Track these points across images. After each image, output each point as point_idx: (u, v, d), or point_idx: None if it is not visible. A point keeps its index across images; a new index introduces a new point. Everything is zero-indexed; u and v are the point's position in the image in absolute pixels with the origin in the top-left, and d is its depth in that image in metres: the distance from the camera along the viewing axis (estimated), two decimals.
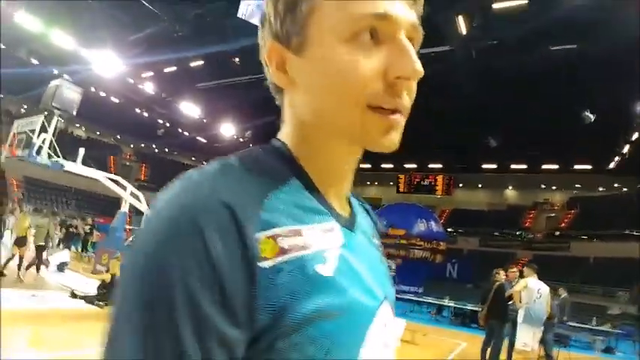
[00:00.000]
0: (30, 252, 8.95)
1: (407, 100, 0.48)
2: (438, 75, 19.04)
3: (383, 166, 35.36)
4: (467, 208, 34.68)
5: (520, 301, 6.06)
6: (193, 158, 42.27)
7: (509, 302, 6.42)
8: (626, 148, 23.18)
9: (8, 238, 9.63)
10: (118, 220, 10.54)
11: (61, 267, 10.11)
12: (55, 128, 8.83)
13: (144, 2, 16.54)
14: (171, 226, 0.38)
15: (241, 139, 31.49)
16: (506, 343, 6.39)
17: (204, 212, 0.39)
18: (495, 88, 19.60)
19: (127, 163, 37.27)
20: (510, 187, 34.93)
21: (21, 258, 8.59)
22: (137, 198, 10.84)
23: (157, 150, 40.27)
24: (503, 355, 6.21)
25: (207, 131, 31.83)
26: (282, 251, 0.42)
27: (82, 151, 9.48)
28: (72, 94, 8.80)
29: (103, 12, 17.66)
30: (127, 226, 11.46)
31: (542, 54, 16.48)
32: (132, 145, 38.73)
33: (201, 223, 0.38)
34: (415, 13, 0.49)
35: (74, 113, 9.17)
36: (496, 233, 31.52)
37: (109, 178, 10.58)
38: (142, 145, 38.90)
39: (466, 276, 24.15)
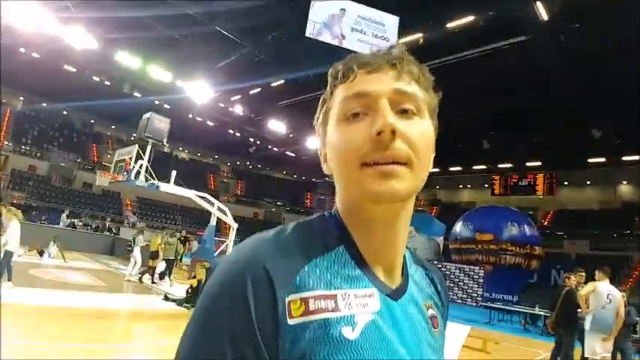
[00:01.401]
0: (161, 264, 11.35)
1: (402, 149, 0.53)
2: (528, 69, 18.08)
3: (475, 167, 33.80)
4: (574, 207, 31.71)
5: (587, 307, 5.57)
6: (284, 172, 44.32)
7: (579, 309, 5.93)
8: None
9: (138, 252, 11.60)
10: (208, 233, 11.62)
11: (162, 275, 11.45)
12: (150, 154, 10.07)
13: (225, 32, 18.07)
14: (226, 278, 0.50)
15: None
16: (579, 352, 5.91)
17: (249, 271, 0.49)
18: (591, 75, 17.94)
19: (225, 180, 40.29)
20: (625, 182, 31.23)
21: (154, 269, 10.93)
22: (224, 212, 11.82)
23: (250, 166, 42.91)
24: None
25: (294, 146, 33.25)
26: (309, 312, 0.49)
27: (174, 173, 10.69)
28: (161, 124, 10.04)
29: (191, 46, 19.62)
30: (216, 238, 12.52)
31: (633, 31, 14.75)
32: (228, 164, 41.76)
33: (245, 282, 0.48)
34: (401, 81, 0.57)
35: (164, 142, 10.37)
36: (609, 234, 28.32)
37: (199, 196, 11.67)
38: (238, 162, 41.75)
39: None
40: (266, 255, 0.51)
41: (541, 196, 31.67)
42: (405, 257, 0.65)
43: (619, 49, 15.70)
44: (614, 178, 30.63)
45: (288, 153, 36.61)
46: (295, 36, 17.38)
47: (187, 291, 8.66)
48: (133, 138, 29.41)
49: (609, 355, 5.52)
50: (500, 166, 32.27)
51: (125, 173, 9.64)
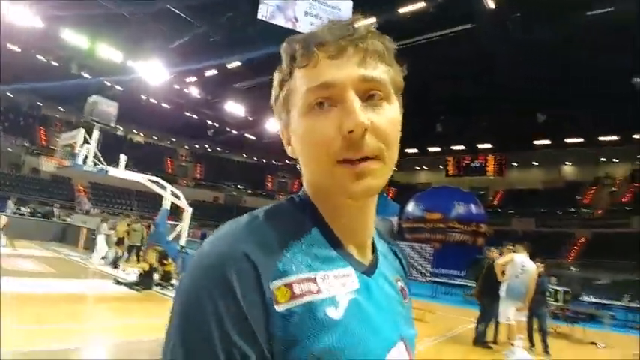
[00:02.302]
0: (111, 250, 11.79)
1: (374, 144, 0.53)
2: (477, 55, 18.74)
3: (430, 150, 34.82)
4: (522, 187, 33.44)
5: (503, 275, 6.15)
6: (244, 155, 44.00)
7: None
8: None
9: (102, 240, 11.78)
10: (160, 218, 11.59)
11: (115, 261, 11.42)
12: (98, 138, 9.92)
13: (177, 11, 17.66)
14: (206, 272, 0.48)
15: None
16: None
17: (231, 261, 0.48)
18: (537, 61, 18.85)
19: (183, 164, 39.60)
20: (568, 163, 33.17)
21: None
22: (177, 197, 11.81)
23: (209, 150, 42.34)
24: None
25: (253, 128, 33.05)
26: (294, 296, 0.49)
27: (123, 157, 10.54)
28: (108, 107, 9.85)
29: (142, 25, 19.02)
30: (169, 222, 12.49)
31: (578, 21, 15.64)
32: (186, 147, 41.02)
33: (228, 270, 0.47)
34: (367, 65, 0.54)
35: (112, 125, 10.21)
36: (554, 212, 30.15)
37: (151, 180, 11.59)
38: (196, 145, 41.07)
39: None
40: (245, 242, 0.50)
41: (491, 177, 33.13)
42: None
43: (562, 38, 16.58)
44: (558, 159, 32.47)
45: (247, 136, 36.36)
46: (250, 17, 17.22)
47: (140, 275, 8.74)
48: (82, 121, 28.32)
49: (524, 319, 6.14)
50: (453, 148, 33.43)
51: (71, 158, 9.46)
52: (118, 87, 25.84)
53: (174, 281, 8.89)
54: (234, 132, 34.93)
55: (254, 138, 36.22)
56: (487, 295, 6.64)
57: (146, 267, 8.61)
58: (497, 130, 27.68)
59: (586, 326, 8.42)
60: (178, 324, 0.48)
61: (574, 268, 13.13)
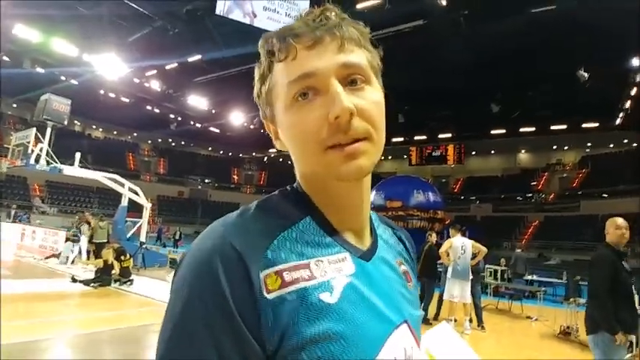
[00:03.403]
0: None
1: (362, 126, 0.53)
2: (433, 49, 19.32)
3: (394, 140, 35.60)
4: (481, 175, 34.75)
5: (448, 259, 6.75)
6: (210, 148, 43.58)
7: (438, 261, 7.20)
8: (628, 104, 22.74)
9: (85, 242, 11.54)
10: (119, 215, 11.61)
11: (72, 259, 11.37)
12: (51, 137, 9.83)
13: (133, 5, 17.34)
14: (194, 269, 0.49)
15: (251, 126, 32.36)
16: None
17: (218, 254, 0.48)
18: (490, 55, 19.64)
19: (146, 159, 38.90)
20: (523, 151, 34.66)
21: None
22: (135, 193, 11.83)
23: (173, 144, 41.69)
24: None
25: (217, 121, 32.80)
26: (285, 284, 0.49)
27: (78, 154, 10.47)
28: (60, 105, 9.76)
29: (99, 18, 18.58)
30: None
31: (525, 17, 16.43)
32: (149, 141, 40.26)
33: (215, 265, 0.47)
34: (345, 52, 0.55)
35: (65, 123, 10.12)
36: (510, 198, 31.55)
37: (108, 177, 11.56)
38: (159, 140, 40.36)
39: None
40: (232, 234, 0.51)
41: (452, 165, 34.24)
42: (371, 219, 0.67)
43: (512, 33, 17.35)
44: (513, 147, 33.90)
45: (212, 129, 36.05)
46: (210, 10, 17.15)
47: (96, 272, 8.80)
48: (34, 119, 27.36)
49: (468, 300, 6.72)
50: (415, 138, 34.31)
51: (24, 157, 9.34)
52: (74, 81, 25.10)
53: (132, 277, 9.00)
54: (198, 125, 34.56)
55: (218, 131, 35.94)
56: (427, 275, 7.25)
57: (101, 264, 8.66)
58: (457, 121, 28.68)
59: (526, 303, 9.12)
60: (170, 324, 0.48)
61: (519, 250, 13.94)
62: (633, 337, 3.49)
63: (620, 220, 3.44)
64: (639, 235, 21.90)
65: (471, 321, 6.93)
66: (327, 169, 0.54)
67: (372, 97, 0.56)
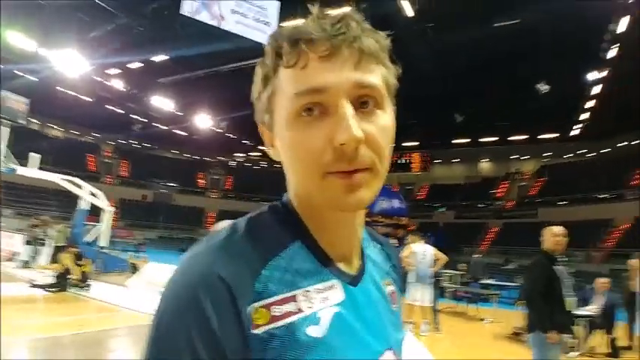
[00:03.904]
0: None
1: (368, 156, 0.49)
2: (400, 58, 19.74)
3: None
4: (445, 182, 35.63)
5: (410, 265, 6.98)
6: (175, 151, 42.72)
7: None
8: (585, 115, 23.97)
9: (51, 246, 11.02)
10: (77, 218, 11.26)
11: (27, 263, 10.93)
12: (8, 136, 9.46)
13: (97, 0, 16.90)
14: (178, 302, 0.46)
15: (219, 130, 32.00)
16: None
17: (204, 287, 0.45)
18: (454, 66, 20.31)
19: (107, 160, 37.67)
20: (484, 160, 35.82)
21: None
22: (95, 196, 11.52)
23: (137, 146, 40.62)
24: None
25: (183, 124, 32.26)
26: (274, 319, 0.47)
27: (33, 155, 10.12)
28: (17, 104, 9.42)
29: (60, 12, 17.98)
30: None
31: (488, 30, 17.10)
32: (111, 142, 39.08)
33: (201, 298, 0.44)
34: (362, 69, 0.50)
35: (22, 121, 9.77)
36: (471, 205, 32.50)
37: (66, 180, 11.22)
38: (122, 141, 39.24)
39: (439, 248, 25.00)
40: (219, 264, 0.47)
41: (417, 173, 34.95)
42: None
43: (475, 45, 18.03)
44: (475, 156, 35.00)
45: (177, 132, 35.41)
46: (176, 10, 16.92)
47: (56, 277, 8.53)
48: None
49: (428, 304, 6.96)
50: None
51: None
52: (32, 78, 24.13)
53: (90, 282, 8.76)
54: (163, 127, 33.87)
55: (184, 134, 35.34)
56: None
57: (60, 268, 8.40)
58: (422, 130, 29.38)
59: (482, 306, 9.46)
60: (151, 352, 0.45)
61: (477, 255, 14.46)
62: (567, 337, 3.75)
63: (556, 229, 3.71)
64: (594, 241, 23.24)
65: (428, 323, 7.16)
66: (324, 197, 0.51)
67: (383, 124, 0.52)
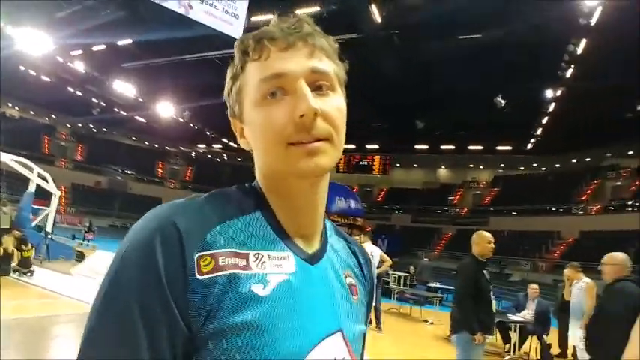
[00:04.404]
0: None
1: (324, 127, 0.56)
2: (367, 62, 20.05)
3: None
4: (403, 186, 36.41)
5: None
6: (134, 138, 41.49)
7: None
8: (539, 131, 25.11)
9: None
10: (25, 201, 10.86)
11: None
12: None
13: None
14: (133, 243, 0.50)
15: (180, 119, 31.36)
16: None
17: (158, 232, 0.50)
18: (418, 73, 20.81)
19: (63, 143, 36.19)
20: (443, 167, 36.86)
21: None
22: (44, 179, 11.14)
23: (95, 130, 39.20)
24: None
25: (144, 111, 31.39)
26: (218, 267, 0.50)
27: None
28: None
29: None
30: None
31: (452, 42, 17.65)
32: (68, 125, 37.54)
33: (154, 241, 0.49)
34: (315, 59, 0.58)
35: None
36: (428, 210, 33.39)
37: (16, 161, 10.80)
38: (79, 125, 37.75)
39: (394, 250, 25.63)
40: (177, 214, 0.52)
41: (378, 175, 35.54)
42: (325, 227, 0.69)
43: (439, 54, 18.55)
44: (434, 163, 35.99)
45: (138, 118, 34.42)
46: None
47: None
48: None
49: (372, 303, 7.19)
50: (345, 146, 35.09)
51: None
52: None
53: (33, 267, 8.50)
54: (123, 113, 32.84)
55: (145, 121, 34.39)
56: None
57: (0, 252, 8.10)
58: (384, 133, 29.94)
59: (428, 307, 9.85)
60: (103, 292, 0.49)
61: (426, 259, 14.96)
62: (490, 337, 4.01)
63: (488, 234, 3.96)
64: (541, 252, 24.42)
65: (370, 322, 7.40)
66: (286, 165, 0.56)
67: (336, 103, 0.59)
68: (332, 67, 0.60)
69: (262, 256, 0.55)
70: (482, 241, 3.90)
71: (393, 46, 18.29)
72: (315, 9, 16.69)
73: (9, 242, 8.15)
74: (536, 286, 7.61)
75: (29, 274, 8.30)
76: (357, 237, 7.75)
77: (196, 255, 0.50)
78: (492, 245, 3.91)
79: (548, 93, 20.77)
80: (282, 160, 0.56)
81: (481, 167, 34.42)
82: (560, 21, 14.83)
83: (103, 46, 22.29)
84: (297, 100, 0.55)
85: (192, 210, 0.54)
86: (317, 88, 0.57)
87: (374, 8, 16.30)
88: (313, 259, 0.62)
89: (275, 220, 0.60)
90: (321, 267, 0.63)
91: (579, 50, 16.55)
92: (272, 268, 0.55)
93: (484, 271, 3.87)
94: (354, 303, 0.67)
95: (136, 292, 0.47)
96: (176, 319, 0.47)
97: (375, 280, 7.28)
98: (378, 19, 16.68)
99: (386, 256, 7.47)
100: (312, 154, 0.55)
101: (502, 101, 21.43)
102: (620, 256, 3.49)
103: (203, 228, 0.52)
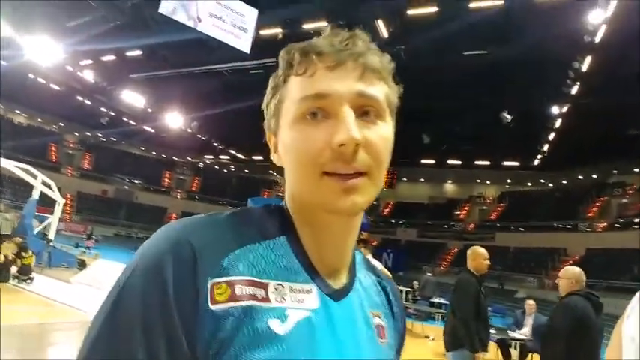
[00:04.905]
0: None
1: (365, 160, 0.50)
2: None
3: None
4: (410, 201, 36.28)
5: None
6: (142, 148, 41.84)
7: None
8: (546, 147, 25.00)
9: None
10: (28, 208, 10.90)
11: None
12: None
13: None
14: (145, 257, 0.46)
15: (188, 130, 31.60)
16: None
17: (171, 251, 0.45)
18: (425, 89, 20.82)
19: (70, 152, 36.55)
20: (449, 182, 36.72)
21: None
22: (49, 187, 11.20)
23: (103, 139, 39.58)
24: None
25: (153, 121, 31.71)
26: (234, 297, 0.45)
27: None
28: None
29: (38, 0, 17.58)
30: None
31: (459, 58, 17.72)
32: (76, 134, 37.96)
33: (165, 260, 0.44)
34: (364, 81, 0.52)
35: None
36: (434, 225, 33.18)
37: (20, 168, 10.88)
38: (87, 134, 38.17)
39: (400, 265, 25.45)
40: (194, 233, 0.48)
41: (384, 189, 35.42)
42: (355, 259, 0.63)
43: (445, 69, 18.63)
44: (441, 177, 35.87)
45: (146, 128, 34.74)
46: (155, 7, 16.78)
47: None
48: None
49: None
50: None
51: None
52: (2, 62, 23.29)
53: (33, 274, 8.49)
54: (132, 123, 33.16)
55: (153, 131, 34.69)
56: None
57: (1, 259, 8.10)
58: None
59: (431, 323, 9.69)
60: (108, 303, 0.45)
61: (429, 274, 14.80)
62: (487, 354, 3.91)
63: (483, 250, 3.89)
64: (547, 269, 24.09)
65: None
66: (318, 197, 0.51)
67: (382, 133, 0.53)
68: (383, 92, 0.54)
69: (283, 287, 0.50)
70: (479, 257, 3.84)
71: (400, 61, 18.33)
72: (323, 24, 16.85)
73: (7, 249, 8.16)
74: (532, 302, 7.49)
75: (28, 280, 8.29)
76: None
77: (211, 281, 0.45)
78: (488, 262, 3.86)
79: (554, 109, 20.72)
80: (314, 191, 0.51)
81: (488, 182, 34.24)
82: (564, 39, 14.84)
83: (113, 57, 22.62)
84: (338, 126, 0.50)
85: (209, 229, 0.50)
86: (363, 114, 0.52)
87: (380, 23, 16.42)
88: (339, 295, 0.56)
89: (301, 248, 0.55)
90: (347, 304, 0.56)
91: (584, 67, 16.53)
92: (293, 303, 0.49)
93: (481, 287, 3.80)
94: (381, 346, 0.60)
95: (143, 321, 0.43)
96: (183, 353, 0.43)
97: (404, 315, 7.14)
98: (385, 34, 16.79)
99: (386, 271, 7.37)
100: (348, 191, 0.49)
101: (508, 117, 21.39)
102: (573, 270, 3.50)
103: (221, 251, 0.48)
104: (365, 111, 0.52)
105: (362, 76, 0.52)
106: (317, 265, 0.55)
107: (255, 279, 0.48)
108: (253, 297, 0.47)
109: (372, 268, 0.69)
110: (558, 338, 3.15)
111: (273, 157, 0.59)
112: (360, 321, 0.57)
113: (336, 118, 0.50)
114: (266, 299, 0.47)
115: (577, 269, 3.49)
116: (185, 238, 0.46)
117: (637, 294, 1.11)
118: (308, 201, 0.53)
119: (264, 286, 0.48)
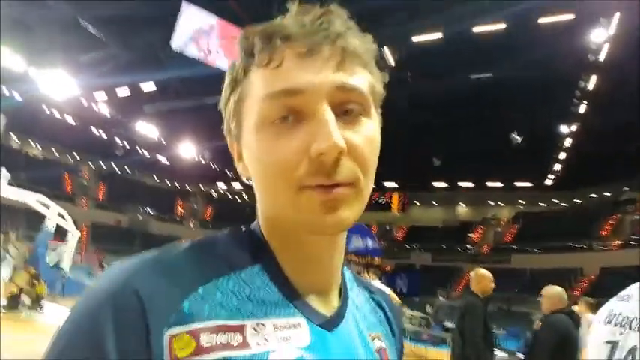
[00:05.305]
0: None
1: (349, 169, 0.41)
2: (382, 102, 20.43)
3: None
4: (423, 224, 35.94)
5: None
6: (156, 179, 42.46)
7: None
8: (557, 166, 24.81)
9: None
10: (40, 239, 11.10)
11: None
12: None
13: (90, 30, 17.26)
14: (78, 316, 0.37)
15: (202, 160, 32.12)
16: None
17: (110, 302, 0.36)
18: (435, 112, 21.03)
19: (85, 183, 37.12)
20: (462, 205, 36.38)
21: None
22: (62, 217, 11.41)
23: (118, 170, 40.29)
24: None
25: (166, 152, 32.34)
26: (201, 349, 0.36)
27: (5, 173, 10.08)
28: None
29: (51, 35, 18.26)
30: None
31: (464, 82, 17.88)
32: (91, 165, 38.69)
33: (102, 318, 0.35)
34: (345, 70, 0.42)
35: None
36: (448, 248, 32.74)
37: (36, 200, 11.13)
38: (102, 165, 38.91)
39: (414, 289, 25.03)
40: (142, 276, 0.39)
41: (397, 214, 35.27)
42: (344, 277, 0.54)
43: (454, 93, 18.79)
44: (453, 200, 35.58)
45: (160, 158, 35.38)
46: (167, 41, 17.33)
47: (8, 297, 8.34)
48: None
49: None
50: None
51: None
52: (18, 97, 24.11)
53: (43, 302, 8.59)
54: (146, 154, 33.84)
55: (167, 162, 35.31)
56: None
57: (15, 290, 8.22)
58: (403, 171, 30.02)
59: (443, 348, 9.49)
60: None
61: (442, 298, 14.54)
62: None
63: (488, 273, 3.90)
64: (564, 289, 23.42)
65: None
66: (298, 216, 0.42)
67: (368, 133, 0.44)
68: (367, 82, 0.44)
69: (264, 326, 0.41)
70: (485, 280, 3.88)
71: (408, 86, 18.60)
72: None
73: (21, 279, 8.29)
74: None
75: (39, 308, 8.38)
76: (366, 274, 7.61)
77: (167, 333, 0.36)
78: (493, 284, 3.87)
79: (563, 129, 20.68)
80: (291, 210, 0.42)
81: (501, 204, 33.86)
82: (569, 57, 14.97)
83: (126, 90, 23.27)
84: (316, 131, 0.40)
85: (163, 267, 0.40)
86: (345, 112, 0.43)
87: (387, 51, 16.72)
88: (332, 323, 0.47)
89: (281, 275, 0.46)
90: (343, 333, 0.48)
91: (590, 86, 16.60)
92: (279, 343, 0.41)
93: (486, 310, 3.80)
94: None
95: None
96: None
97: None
98: (392, 62, 17.05)
99: (395, 295, 7.29)
100: (332, 205, 0.41)
101: (518, 138, 21.38)
102: (555, 289, 3.68)
103: (178, 293, 0.38)
104: (347, 109, 0.43)
105: (341, 64, 0.42)
106: (302, 292, 0.46)
107: (226, 322, 0.39)
108: (227, 346, 0.38)
109: (362, 283, 0.60)
110: (544, 352, 3.38)
111: (238, 167, 0.50)
112: (359, 349, 0.49)
113: (313, 120, 0.41)
114: (244, 345, 0.39)
115: (558, 288, 3.71)
116: (129, 285, 0.37)
117: (607, 303, 1.16)
118: (284, 220, 0.45)
119: (241, 329, 0.39)
